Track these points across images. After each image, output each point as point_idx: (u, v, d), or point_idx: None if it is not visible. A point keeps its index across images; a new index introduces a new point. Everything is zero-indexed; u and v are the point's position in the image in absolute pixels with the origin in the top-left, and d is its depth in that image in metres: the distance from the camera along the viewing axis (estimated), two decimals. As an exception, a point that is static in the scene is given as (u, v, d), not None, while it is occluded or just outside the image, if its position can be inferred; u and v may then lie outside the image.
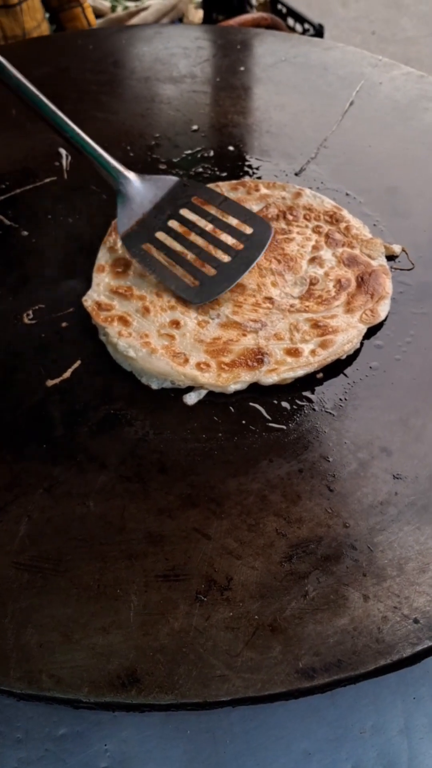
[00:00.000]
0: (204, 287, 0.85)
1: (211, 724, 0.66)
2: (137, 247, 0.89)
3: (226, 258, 0.88)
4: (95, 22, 1.91)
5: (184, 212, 0.92)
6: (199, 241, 0.90)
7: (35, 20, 1.70)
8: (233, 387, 0.79)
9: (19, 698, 0.58)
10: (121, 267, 0.90)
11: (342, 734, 0.67)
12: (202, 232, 0.90)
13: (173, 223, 0.91)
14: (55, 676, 0.58)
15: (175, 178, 0.95)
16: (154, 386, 0.80)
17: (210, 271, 0.87)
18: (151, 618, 0.61)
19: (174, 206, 0.93)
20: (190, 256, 0.89)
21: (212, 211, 0.93)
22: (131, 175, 0.93)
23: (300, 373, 0.80)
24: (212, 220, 0.91)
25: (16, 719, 0.66)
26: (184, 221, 0.92)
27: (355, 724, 0.68)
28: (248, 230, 0.90)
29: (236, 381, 0.79)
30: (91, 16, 1.88)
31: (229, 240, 0.91)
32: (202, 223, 0.91)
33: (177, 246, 0.90)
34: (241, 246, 0.89)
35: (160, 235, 0.90)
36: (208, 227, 0.91)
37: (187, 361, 0.81)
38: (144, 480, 0.72)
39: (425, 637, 0.60)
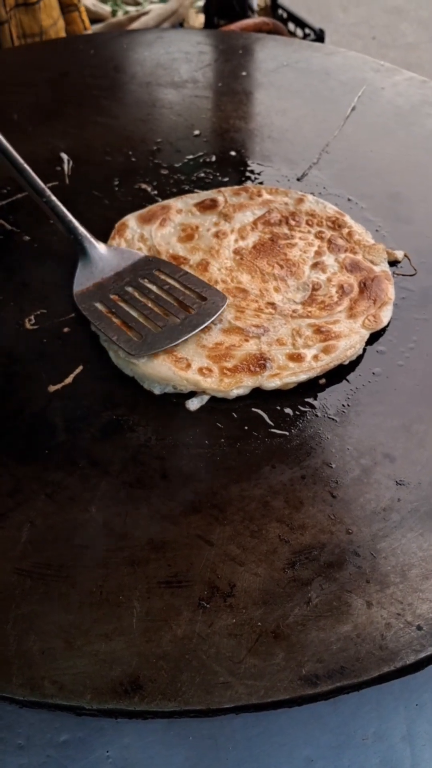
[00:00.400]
0: (145, 342, 0.83)
1: (214, 730, 0.66)
2: (87, 303, 0.89)
3: (174, 320, 0.86)
4: (90, 26, 1.92)
5: (143, 281, 0.91)
6: (150, 304, 0.89)
7: (51, 18, 1.71)
8: (235, 392, 0.79)
9: (22, 705, 0.57)
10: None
11: (344, 741, 0.67)
12: (155, 297, 0.89)
13: (129, 289, 0.91)
14: (57, 682, 0.57)
15: (141, 254, 0.95)
16: (157, 391, 0.80)
17: (155, 328, 0.85)
18: (153, 625, 0.61)
19: (134, 275, 0.92)
20: (138, 315, 0.87)
21: (171, 281, 0.91)
22: (98, 243, 0.94)
23: (302, 377, 0.80)
24: (168, 289, 0.90)
25: (18, 725, 0.66)
26: (140, 288, 0.91)
27: (357, 730, 0.68)
28: (202, 299, 0.88)
29: (238, 386, 0.79)
30: (86, 20, 1.88)
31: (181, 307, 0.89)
32: (157, 290, 0.90)
33: (127, 308, 0.88)
34: (192, 312, 0.87)
35: (114, 297, 0.90)
36: (162, 294, 0.90)
37: (189, 366, 0.81)
38: (146, 486, 0.72)
39: (429, 644, 0.60)
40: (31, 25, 1.65)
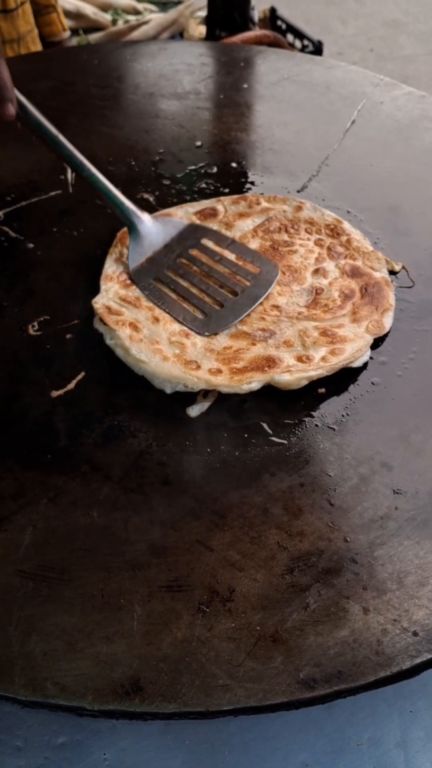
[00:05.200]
0: (211, 320, 0.88)
1: (210, 734, 0.67)
2: (146, 281, 0.92)
3: (232, 295, 0.91)
4: (67, 27, 1.95)
5: (194, 252, 0.96)
6: (207, 279, 0.93)
7: (29, 24, 1.74)
8: (246, 387, 0.80)
9: (24, 705, 0.58)
10: (129, 278, 0.92)
11: (339, 746, 0.68)
12: (209, 270, 0.94)
13: (182, 262, 0.95)
14: (59, 683, 0.58)
15: (185, 222, 1.00)
16: (168, 390, 0.81)
17: (217, 305, 0.90)
18: (154, 628, 0.62)
19: (183, 246, 0.97)
20: (197, 291, 0.92)
21: (220, 251, 0.96)
22: (144, 216, 0.97)
23: (312, 374, 0.81)
24: (220, 260, 0.95)
25: (16, 727, 0.67)
26: (192, 260, 0.95)
27: (352, 736, 0.68)
28: (255, 269, 0.94)
29: (249, 381, 0.80)
30: (63, 21, 1.94)
31: (236, 280, 0.94)
32: (210, 262, 0.95)
33: (184, 283, 0.93)
34: (248, 284, 0.92)
35: (169, 272, 0.94)
36: (216, 267, 0.94)
37: (199, 367, 0.82)
38: (147, 491, 0.72)
39: (424, 650, 0.61)
40: (10, 30, 1.69)
